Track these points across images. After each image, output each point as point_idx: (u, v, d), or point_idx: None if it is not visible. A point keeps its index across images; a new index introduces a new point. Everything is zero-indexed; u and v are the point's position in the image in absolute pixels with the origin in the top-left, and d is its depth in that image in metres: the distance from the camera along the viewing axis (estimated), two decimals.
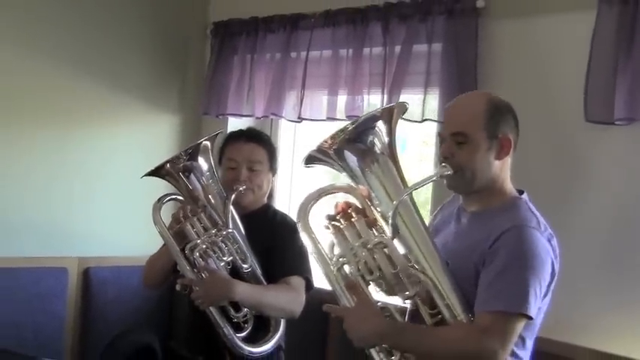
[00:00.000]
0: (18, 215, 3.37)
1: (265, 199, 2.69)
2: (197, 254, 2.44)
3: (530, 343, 1.97)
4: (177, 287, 2.45)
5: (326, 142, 1.93)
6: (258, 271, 2.52)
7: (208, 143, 2.55)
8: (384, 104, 3.08)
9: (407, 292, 1.92)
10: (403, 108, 2.02)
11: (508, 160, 2.02)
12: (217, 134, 2.63)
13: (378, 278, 1.92)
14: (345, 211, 1.99)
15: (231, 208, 2.49)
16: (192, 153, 2.52)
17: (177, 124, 3.92)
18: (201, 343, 2.56)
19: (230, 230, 2.47)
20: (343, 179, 2.03)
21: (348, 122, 1.94)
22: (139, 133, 3.78)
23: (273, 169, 2.66)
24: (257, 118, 3.59)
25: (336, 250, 1.99)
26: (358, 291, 1.93)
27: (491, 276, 1.87)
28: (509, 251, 1.87)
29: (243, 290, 2.41)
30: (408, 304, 1.98)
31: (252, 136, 2.65)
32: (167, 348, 2.69)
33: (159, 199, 2.52)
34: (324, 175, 3.06)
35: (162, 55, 3.84)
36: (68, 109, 3.53)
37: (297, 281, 2.49)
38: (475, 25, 2.90)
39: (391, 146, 1.95)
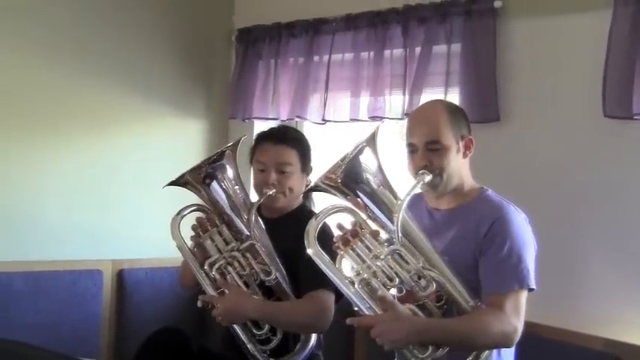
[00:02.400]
0: (56, 220, 3.47)
1: (300, 199, 2.61)
2: (215, 271, 2.40)
3: None
4: (199, 304, 2.41)
5: (329, 177, 2.05)
6: (285, 282, 2.44)
7: (231, 151, 2.47)
8: (406, 105, 3.14)
9: (427, 292, 2.03)
10: (378, 131, 2.11)
11: (468, 159, 2.22)
12: (239, 141, 2.51)
13: (399, 284, 2.04)
14: (349, 230, 2.11)
15: (256, 215, 2.43)
16: (215, 161, 2.44)
17: (205, 128, 4.00)
18: (235, 344, 2.52)
19: (251, 242, 2.41)
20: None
21: (341, 158, 2.04)
22: (169, 137, 3.86)
23: (306, 168, 2.56)
24: (282, 120, 3.63)
25: (349, 267, 2.09)
26: (385, 299, 2.00)
27: (494, 261, 2.07)
28: (504, 238, 2.08)
29: (260, 309, 2.37)
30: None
31: (281, 138, 2.54)
32: (201, 347, 2.71)
33: (178, 212, 2.47)
34: None
35: (189, 62, 3.92)
36: (101, 117, 3.62)
37: (323, 295, 2.38)
38: (493, 24, 2.94)
39: (382, 172, 2.09)
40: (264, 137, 2.59)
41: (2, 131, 3.33)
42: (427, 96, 3.09)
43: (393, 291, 2.07)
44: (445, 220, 2.21)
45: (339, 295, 2.35)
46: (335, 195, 2.09)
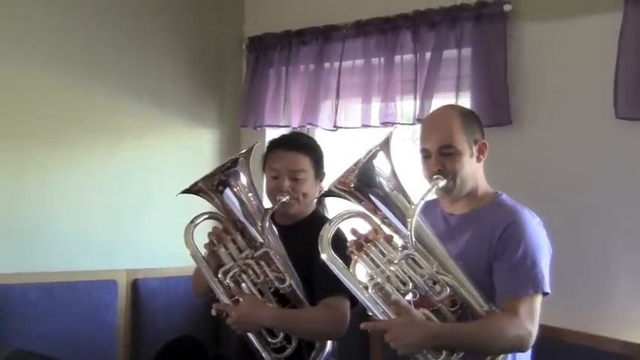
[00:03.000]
0: (70, 231, 3.48)
1: (314, 206, 2.60)
2: (230, 279, 2.39)
3: None
4: (213, 312, 2.41)
5: (343, 182, 2.06)
6: (300, 290, 2.44)
7: (244, 158, 2.46)
8: (417, 110, 3.14)
9: (441, 296, 2.04)
10: (391, 136, 2.12)
11: (482, 163, 2.22)
12: (252, 148, 2.51)
13: (412, 288, 2.05)
14: (363, 235, 2.12)
15: (269, 223, 2.43)
16: (228, 169, 2.44)
17: (217, 136, 4.01)
18: (250, 352, 2.51)
19: (265, 250, 2.40)
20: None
21: (354, 163, 2.05)
22: (181, 147, 3.88)
23: (319, 174, 2.55)
24: (294, 128, 3.64)
25: (362, 271, 2.10)
26: (399, 303, 2.00)
27: (509, 265, 2.07)
28: (518, 242, 2.08)
29: (275, 317, 2.37)
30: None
31: (294, 144, 2.54)
32: (217, 355, 2.70)
33: (192, 220, 2.47)
34: None
35: (200, 71, 3.94)
36: (113, 127, 3.64)
37: (339, 302, 2.37)
38: (503, 28, 2.94)
39: (395, 177, 2.10)
40: (276, 144, 2.58)
41: (16, 144, 3.36)
42: (438, 101, 3.09)
43: (409, 296, 2.07)
44: (459, 224, 2.22)
45: (354, 302, 2.34)
46: (349, 200, 2.10)
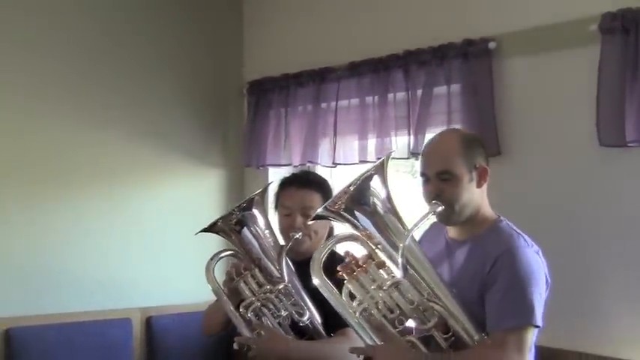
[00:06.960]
0: (84, 273, 3.59)
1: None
2: (251, 312, 2.44)
3: (533, 348, 2.11)
4: (235, 346, 2.44)
5: (335, 203, 2.08)
6: (318, 322, 2.47)
7: (260, 197, 2.55)
8: (411, 144, 3.26)
9: (427, 325, 2.04)
10: (389, 156, 2.19)
11: (485, 188, 2.19)
12: (267, 187, 2.61)
13: (398, 316, 2.06)
14: (355, 259, 2.13)
15: (286, 259, 2.47)
16: (245, 208, 2.51)
17: (222, 177, 4.14)
18: None
19: (285, 284, 2.44)
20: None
21: (348, 184, 2.08)
22: (188, 187, 4.01)
23: None
24: (294, 166, 3.76)
25: (353, 296, 2.11)
26: (384, 330, 2.04)
27: (498, 297, 2.03)
28: (508, 272, 2.03)
29: (299, 348, 2.40)
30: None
31: (305, 182, 2.60)
32: None
33: (212, 257, 2.53)
34: None
35: (204, 115, 4.08)
36: (125, 170, 3.78)
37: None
38: (489, 64, 3.05)
39: (389, 199, 2.10)
40: (288, 182, 2.65)
41: (29, 190, 3.49)
42: (431, 135, 3.17)
43: (412, 322, 2.10)
44: (457, 250, 2.19)
45: None
46: (341, 222, 2.13)
